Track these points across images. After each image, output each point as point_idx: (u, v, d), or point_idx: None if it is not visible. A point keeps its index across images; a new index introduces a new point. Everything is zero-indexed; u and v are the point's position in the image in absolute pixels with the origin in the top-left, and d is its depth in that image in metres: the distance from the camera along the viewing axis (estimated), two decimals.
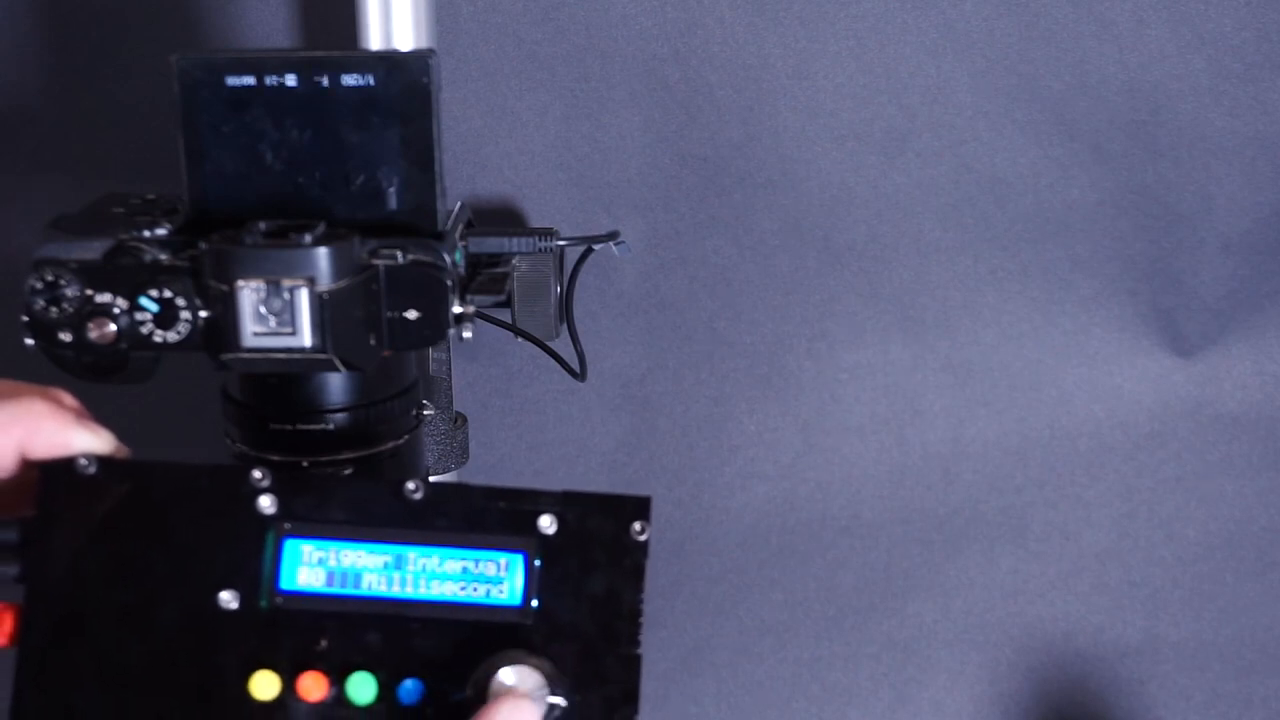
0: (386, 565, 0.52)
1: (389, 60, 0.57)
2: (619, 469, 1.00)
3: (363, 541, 0.52)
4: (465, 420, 0.85)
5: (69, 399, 0.55)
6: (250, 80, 0.57)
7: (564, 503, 0.52)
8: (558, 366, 0.82)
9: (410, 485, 0.51)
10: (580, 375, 0.84)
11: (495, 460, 0.99)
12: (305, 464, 0.60)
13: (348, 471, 0.61)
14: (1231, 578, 0.99)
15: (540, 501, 0.52)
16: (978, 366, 0.98)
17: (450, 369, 0.84)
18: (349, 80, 0.57)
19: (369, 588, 0.51)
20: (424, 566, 0.52)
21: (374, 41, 0.81)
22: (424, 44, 0.81)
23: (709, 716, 0.99)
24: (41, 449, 0.52)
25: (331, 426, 0.60)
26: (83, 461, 0.52)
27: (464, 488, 0.52)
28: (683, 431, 0.99)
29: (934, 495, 0.99)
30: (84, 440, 0.52)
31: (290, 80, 0.57)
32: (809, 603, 0.99)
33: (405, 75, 0.57)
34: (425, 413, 0.65)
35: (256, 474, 0.52)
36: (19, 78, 0.95)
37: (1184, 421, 0.99)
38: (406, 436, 0.63)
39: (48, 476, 0.52)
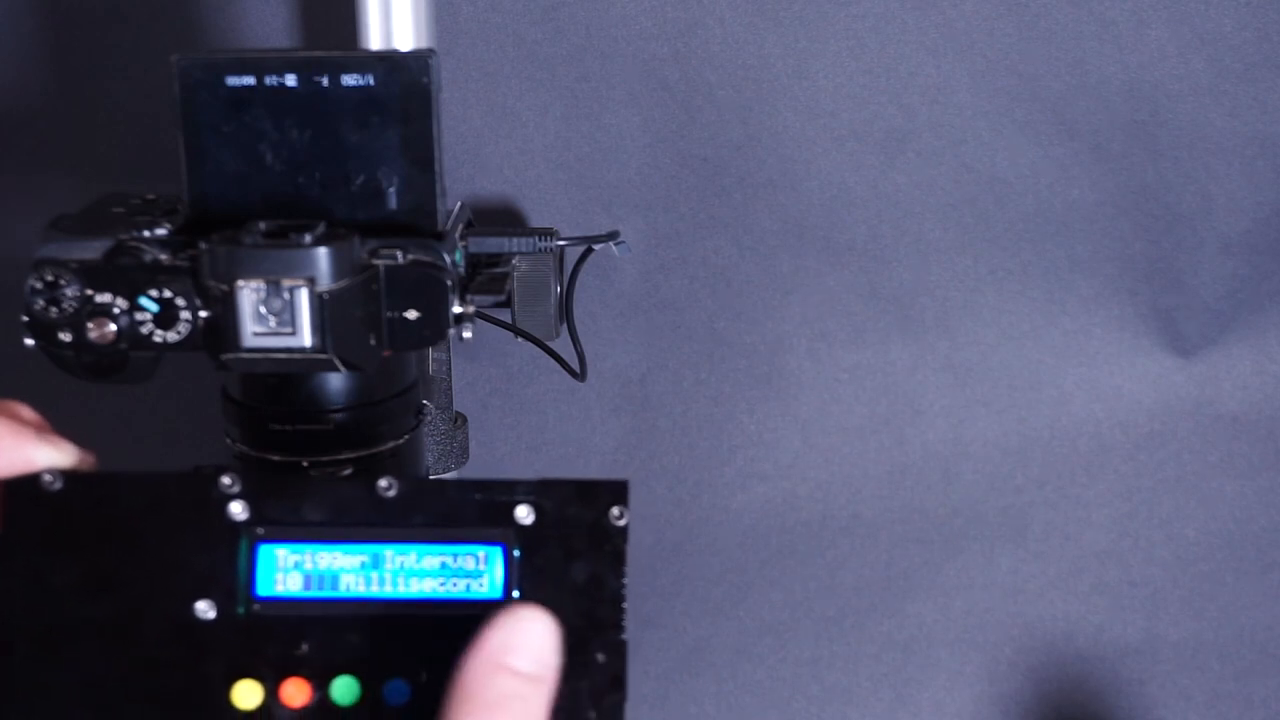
0: (364, 565, 0.51)
1: (389, 60, 0.57)
2: (619, 469, 0.99)
3: (338, 543, 0.51)
4: (465, 420, 0.85)
5: (27, 412, 0.54)
6: (250, 80, 0.57)
7: (540, 491, 0.51)
8: (558, 366, 0.82)
9: (383, 483, 0.51)
10: (580, 375, 0.84)
11: (495, 460, 0.99)
12: (305, 464, 0.60)
13: (347, 472, 0.61)
14: (1231, 578, 0.99)
15: (516, 491, 0.51)
16: (978, 366, 0.98)
17: (450, 369, 0.84)
18: (349, 80, 0.57)
19: (347, 589, 0.51)
20: (402, 564, 0.51)
21: (374, 41, 0.81)
22: (424, 44, 0.81)
23: (709, 716, 0.99)
24: (1, 467, 0.51)
25: (332, 426, 0.60)
26: (48, 478, 0.51)
27: (438, 483, 0.52)
28: (683, 431, 0.99)
29: (934, 495, 0.99)
30: (45, 455, 0.52)
31: (290, 80, 0.57)
32: (809, 603, 0.99)
33: (405, 75, 0.57)
34: (425, 413, 0.65)
35: (225, 480, 0.51)
36: (19, 78, 0.95)
37: (1184, 421, 0.99)
38: (406, 436, 0.63)
39: (13, 495, 0.51)
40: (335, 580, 0.51)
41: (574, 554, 0.51)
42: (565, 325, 0.77)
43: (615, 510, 0.51)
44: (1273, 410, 0.99)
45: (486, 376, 0.98)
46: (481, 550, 0.51)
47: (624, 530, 0.51)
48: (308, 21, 0.92)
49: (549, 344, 0.77)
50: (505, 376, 0.98)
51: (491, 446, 0.99)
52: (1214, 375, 0.99)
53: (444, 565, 0.51)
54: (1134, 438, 0.99)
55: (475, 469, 0.91)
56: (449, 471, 0.83)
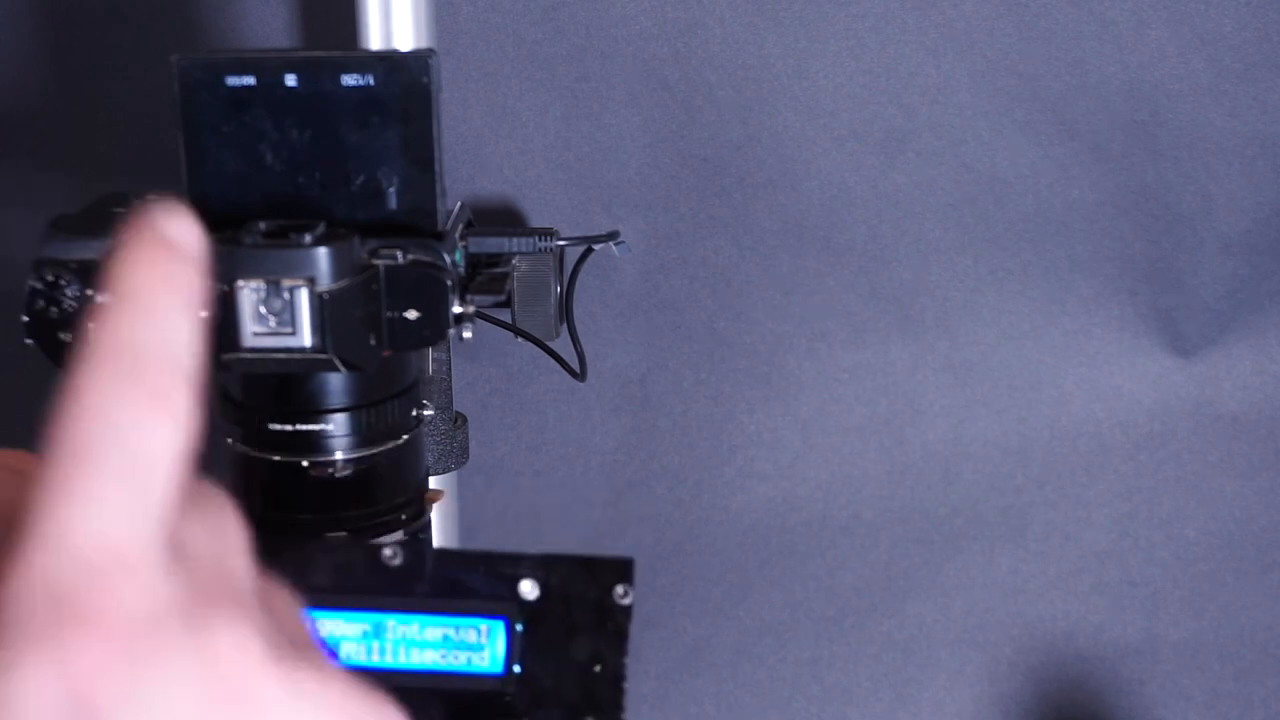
0: (365, 634, 0.51)
1: (389, 60, 0.57)
2: (619, 469, 1.00)
3: (340, 610, 0.51)
4: (465, 420, 0.85)
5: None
6: (250, 80, 0.57)
7: (545, 566, 0.51)
8: (558, 366, 0.82)
9: (388, 551, 0.51)
10: (580, 375, 0.84)
11: (495, 460, 0.99)
12: (305, 464, 0.60)
13: (346, 472, 0.61)
14: (1231, 578, 0.99)
15: (520, 565, 0.51)
16: (978, 366, 0.98)
17: (450, 369, 0.84)
18: (349, 80, 0.57)
19: (347, 657, 0.51)
20: (403, 634, 0.51)
21: (374, 41, 0.81)
22: (424, 44, 0.81)
23: (709, 716, 0.99)
24: None
25: (331, 427, 0.60)
26: None
27: (442, 552, 0.51)
28: (683, 431, 0.99)
29: (934, 495, 0.99)
30: None
31: (290, 80, 0.57)
32: (809, 603, 0.99)
33: (405, 75, 0.57)
34: (425, 413, 0.65)
35: None
36: (19, 78, 0.95)
37: (1184, 421, 0.99)
38: (406, 437, 0.63)
39: None
40: (335, 648, 0.51)
41: (576, 631, 0.50)
42: (565, 325, 0.77)
43: (620, 589, 0.51)
44: (1273, 410, 0.99)
45: (486, 376, 0.98)
46: (484, 623, 0.51)
47: (628, 609, 0.50)
48: (308, 21, 0.92)
49: (549, 344, 0.77)
50: (505, 376, 0.98)
51: (491, 446, 0.99)
52: (1214, 375, 0.99)
53: (446, 637, 0.51)
54: (1134, 438, 0.99)
55: (475, 469, 0.92)
56: (449, 472, 0.83)
